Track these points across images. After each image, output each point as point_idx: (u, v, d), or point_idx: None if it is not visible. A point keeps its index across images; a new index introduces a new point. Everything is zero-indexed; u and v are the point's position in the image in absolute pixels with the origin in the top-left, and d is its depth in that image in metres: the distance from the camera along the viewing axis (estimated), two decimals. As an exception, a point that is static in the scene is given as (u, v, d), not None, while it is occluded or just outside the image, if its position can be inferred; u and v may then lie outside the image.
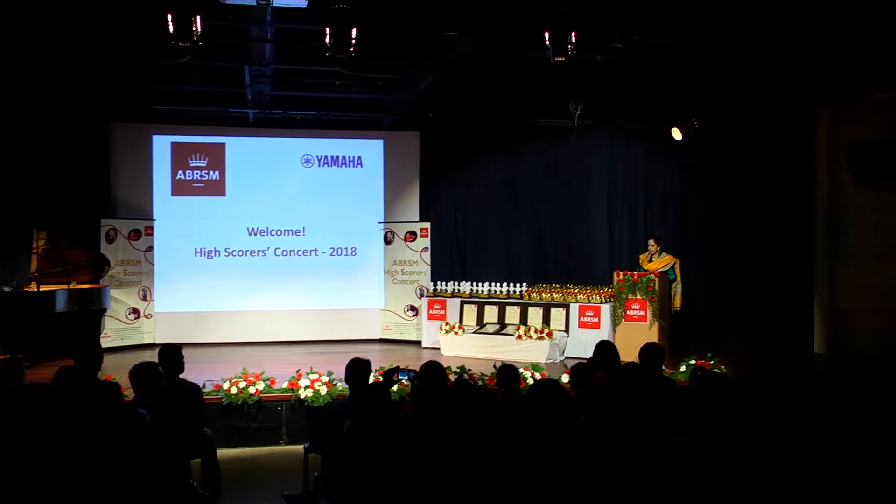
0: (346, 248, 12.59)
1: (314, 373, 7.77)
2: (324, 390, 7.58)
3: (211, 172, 12.17)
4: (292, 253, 12.43)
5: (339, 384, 7.57)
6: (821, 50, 8.62)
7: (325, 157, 12.56)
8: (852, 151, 10.16)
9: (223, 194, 12.21)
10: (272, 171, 12.36)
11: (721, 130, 10.95)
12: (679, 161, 11.92)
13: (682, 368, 8.52)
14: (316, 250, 12.51)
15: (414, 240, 12.43)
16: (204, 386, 6.95)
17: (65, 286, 9.93)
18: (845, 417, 5.68)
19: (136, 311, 11.63)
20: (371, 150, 12.68)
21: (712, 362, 8.69)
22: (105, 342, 10.63)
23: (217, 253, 12.20)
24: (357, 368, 5.44)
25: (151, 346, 11.31)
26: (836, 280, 10.38)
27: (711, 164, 11.59)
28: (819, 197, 10.61)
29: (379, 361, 8.62)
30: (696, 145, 11.12)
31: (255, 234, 12.33)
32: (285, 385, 7.69)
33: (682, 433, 4.55)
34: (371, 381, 5.59)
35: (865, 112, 10.03)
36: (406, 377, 5.48)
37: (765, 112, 10.59)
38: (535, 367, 8.39)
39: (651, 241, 10.67)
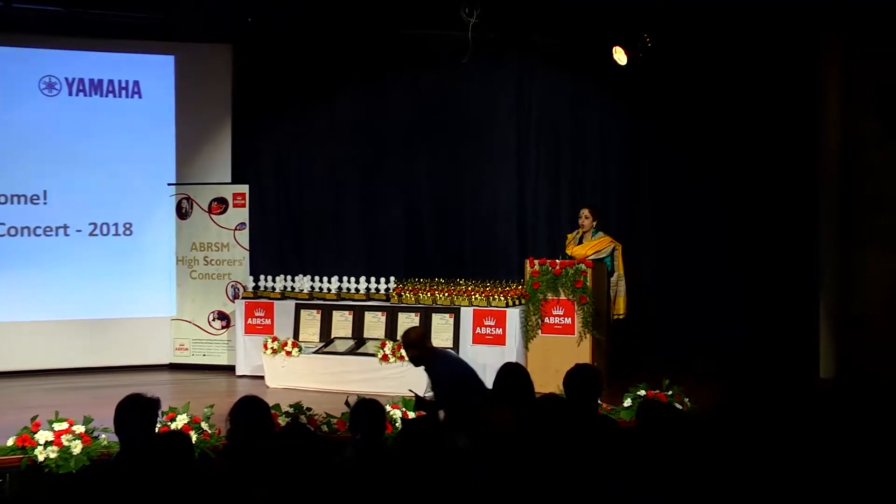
0: (115, 225, 12.45)
1: (61, 420, 7.62)
2: (77, 447, 7.45)
3: None
4: (26, 232, 12.18)
5: (104, 437, 7.49)
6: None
7: (81, 80, 12.35)
8: (876, 93, 10.50)
9: None
10: (-9, 101, 12.02)
11: (684, 52, 11.22)
12: (623, 97, 12.17)
13: (628, 402, 8.74)
14: (66, 228, 12.28)
15: (224, 211, 12.35)
16: None
17: None
18: (866, 466, 5.89)
19: None
20: (155, 71, 12.57)
21: (670, 393, 8.94)
22: None
23: None
24: (134, 411, 5.31)
25: None
26: (849, 274, 10.79)
27: (670, 103, 11.86)
28: (827, 156, 10.99)
29: (169, 399, 8.63)
30: (648, 73, 11.38)
31: (-36, 204, 12.04)
32: (11, 442, 7.52)
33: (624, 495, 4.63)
34: (158, 430, 5.49)
35: (892, 39, 10.36)
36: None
37: (747, 30, 10.89)
38: (406, 402, 8.46)
39: (585, 212, 10.72)
